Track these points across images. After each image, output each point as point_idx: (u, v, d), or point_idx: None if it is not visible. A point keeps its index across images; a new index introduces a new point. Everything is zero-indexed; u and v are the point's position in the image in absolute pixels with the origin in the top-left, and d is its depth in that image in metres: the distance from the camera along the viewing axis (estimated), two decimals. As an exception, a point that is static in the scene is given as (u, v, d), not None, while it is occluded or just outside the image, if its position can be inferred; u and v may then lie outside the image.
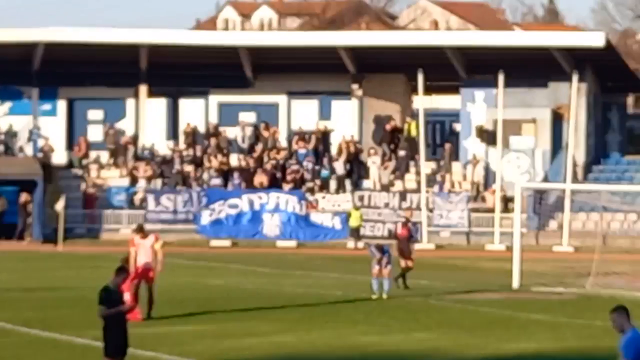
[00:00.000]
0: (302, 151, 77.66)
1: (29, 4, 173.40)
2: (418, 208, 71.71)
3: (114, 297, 24.41)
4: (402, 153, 77.02)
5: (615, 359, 19.71)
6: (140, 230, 34.60)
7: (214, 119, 79.57)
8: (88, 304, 27.05)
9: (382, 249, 44.65)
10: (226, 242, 70.82)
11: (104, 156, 78.75)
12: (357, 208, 71.85)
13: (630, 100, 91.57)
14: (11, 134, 78.21)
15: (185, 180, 75.91)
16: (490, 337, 33.58)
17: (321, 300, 42.34)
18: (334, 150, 78.45)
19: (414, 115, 77.08)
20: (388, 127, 78.47)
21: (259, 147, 78.07)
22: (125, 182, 76.33)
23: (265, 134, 78.65)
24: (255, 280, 49.66)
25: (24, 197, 72.39)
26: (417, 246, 67.20)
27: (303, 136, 78.33)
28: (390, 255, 44.38)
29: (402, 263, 47.30)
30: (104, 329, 23.97)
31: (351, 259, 59.74)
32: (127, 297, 29.06)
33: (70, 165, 77.48)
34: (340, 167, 76.57)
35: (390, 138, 78.07)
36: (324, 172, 76.59)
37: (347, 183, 75.51)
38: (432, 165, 76.67)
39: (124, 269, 27.56)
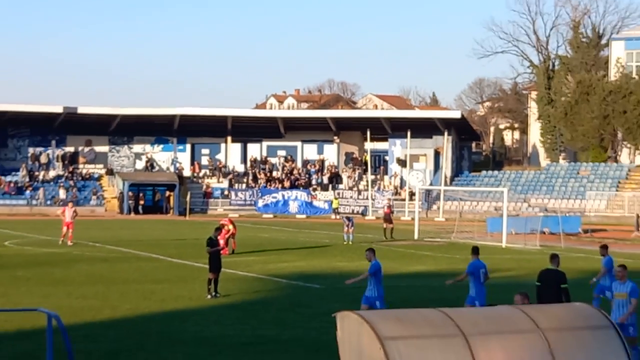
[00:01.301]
0: (312, 169, 77.53)
1: (168, 89, 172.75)
2: (367, 198, 71.71)
3: (214, 242, 24.72)
4: (358, 171, 77.04)
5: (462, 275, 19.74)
6: (220, 229, 30.00)
7: (264, 154, 79.29)
8: (201, 246, 26.99)
9: (349, 219, 44.87)
10: (270, 216, 70.39)
11: (206, 172, 78.53)
12: (336, 198, 71.42)
13: (473, 145, 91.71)
14: (155, 161, 78.25)
15: (249, 184, 75.91)
16: (402, 263, 33.73)
17: (318, 244, 42.41)
18: (325, 169, 78.30)
19: (365, 152, 76.99)
20: (356, 158, 78.51)
21: (286, 168, 78.09)
22: (220, 185, 76.17)
23: (288, 164, 78.61)
24: (285, 234, 49.69)
25: (167, 192, 72.34)
26: (366, 218, 67.98)
27: (314, 163, 78.26)
28: (353, 222, 44.33)
29: (385, 225, 47.49)
30: (209, 259, 24.21)
31: (333, 224, 59.68)
32: (221, 242, 29.13)
33: (190, 177, 77.34)
34: (326, 178, 76.49)
35: (357, 163, 78.04)
36: (319, 179, 76.57)
37: (330, 186, 75.38)
38: (374, 177, 76.54)
39: (219, 228, 27.89)
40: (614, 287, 16.19)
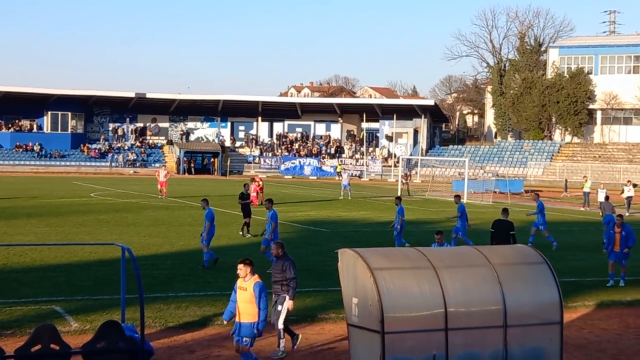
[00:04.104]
0: (322, 143, 77.06)
1: (213, 78, 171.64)
2: (362, 165, 71.48)
3: (245, 196, 24.51)
4: (356, 144, 76.65)
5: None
6: (247, 185, 28.88)
7: (286, 130, 78.97)
8: (235, 198, 26.91)
9: (347, 178, 44.60)
10: (290, 177, 70.32)
11: (242, 144, 78.23)
12: (340, 164, 71.33)
13: (443, 125, 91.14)
14: (190, 134, 77.86)
15: (274, 152, 75.56)
16: (388, 213, 33.45)
17: (325, 199, 42.28)
18: (331, 142, 77.77)
19: (362, 130, 76.68)
20: (355, 134, 78.09)
21: (302, 141, 77.66)
22: (253, 153, 75.74)
23: (304, 138, 78.04)
24: (301, 191, 49.60)
25: (213, 158, 72.12)
26: (362, 179, 67.75)
27: (323, 138, 77.71)
28: (350, 183, 44.15)
29: (403, 185, 48.18)
30: (242, 208, 24.08)
31: (337, 183, 59.64)
32: (252, 195, 28.96)
33: (230, 147, 77.04)
34: (332, 149, 76.01)
35: (356, 138, 77.63)
36: (327, 150, 76.13)
37: (335, 155, 75.07)
38: (368, 149, 76.22)
39: (247, 185, 27.57)
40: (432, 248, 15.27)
